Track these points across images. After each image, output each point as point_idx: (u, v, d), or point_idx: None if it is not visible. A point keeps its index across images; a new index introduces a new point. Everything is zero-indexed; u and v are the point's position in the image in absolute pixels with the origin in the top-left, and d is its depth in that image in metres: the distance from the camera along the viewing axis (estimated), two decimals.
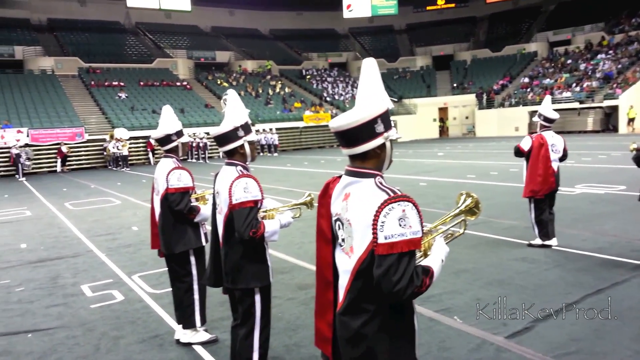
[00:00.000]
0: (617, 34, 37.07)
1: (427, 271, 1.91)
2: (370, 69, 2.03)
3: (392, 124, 2.02)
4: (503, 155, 19.19)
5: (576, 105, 31.64)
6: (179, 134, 4.21)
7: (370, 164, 1.98)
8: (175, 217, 4.03)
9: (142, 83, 34.53)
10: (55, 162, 26.00)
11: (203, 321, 4.22)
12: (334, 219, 2.08)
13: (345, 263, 2.01)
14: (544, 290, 4.98)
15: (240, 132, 3.23)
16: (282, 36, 49.58)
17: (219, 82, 37.65)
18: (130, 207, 12.35)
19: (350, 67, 47.25)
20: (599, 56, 35.61)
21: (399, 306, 1.93)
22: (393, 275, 1.79)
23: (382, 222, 1.81)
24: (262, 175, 16.26)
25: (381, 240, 1.81)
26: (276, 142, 30.69)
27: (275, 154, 29.95)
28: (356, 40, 51.46)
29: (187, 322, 4.18)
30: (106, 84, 33.05)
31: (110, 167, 26.73)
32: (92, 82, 32.87)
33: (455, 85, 41.39)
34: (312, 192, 3.48)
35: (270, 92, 38.01)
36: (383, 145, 1.97)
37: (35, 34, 37.26)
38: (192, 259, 4.14)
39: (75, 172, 25.78)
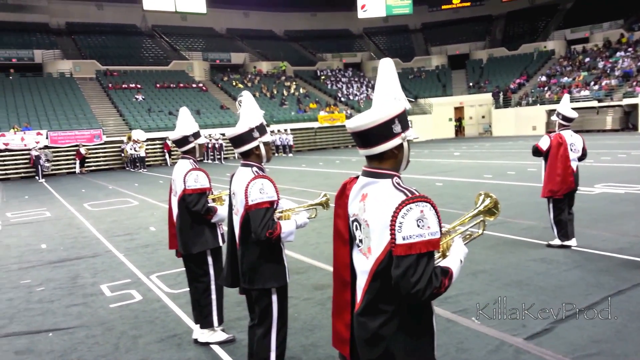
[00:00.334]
0: (637, 31, 36.43)
1: (446, 272, 1.89)
2: (387, 69, 2.02)
3: (410, 125, 2.02)
4: (520, 155, 18.97)
5: (595, 103, 31.17)
6: (196, 135, 4.26)
7: (387, 164, 1.97)
8: (192, 217, 4.07)
9: (158, 85, 34.90)
10: (74, 163, 26.41)
11: (220, 321, 4.25)
12: (351, 219, 2.07)
13: (363, 264, 2.01)
14: (563, 291, 4.91)
15: (256, 133, 3.24)
16: (297, 37, 49.68)
17: (234, 84, 37.87)
18: (148, 207, 12.48)
19: (365, 68, 47.16)
20: (618, 54, 35.03)
21: (418, 307, 1.92)
22: (412, 276, 1.78)
23: (400, 223, 1.80)
24: (278, 176, 16.31)
25: (399, 241, 1.80)
26: (291, 143, 30.77)
27: (290, 155, 30.01)
28: (371, 41, 51.33)
29: (204, 321, 4.21)
30: (123, 86, 33.47)
31: (127, 168, 27.05)
32: (110, 85, 33.31)
33: (471, 84, 41.00)
34: (327, 192, 3.48)
35: (285, 93, 38.10)
36: (400, 146, 1.96)
37: (54, 38, 37.90)
38: (210, 259, 4.17)
39: (94, 173, 26.14)
